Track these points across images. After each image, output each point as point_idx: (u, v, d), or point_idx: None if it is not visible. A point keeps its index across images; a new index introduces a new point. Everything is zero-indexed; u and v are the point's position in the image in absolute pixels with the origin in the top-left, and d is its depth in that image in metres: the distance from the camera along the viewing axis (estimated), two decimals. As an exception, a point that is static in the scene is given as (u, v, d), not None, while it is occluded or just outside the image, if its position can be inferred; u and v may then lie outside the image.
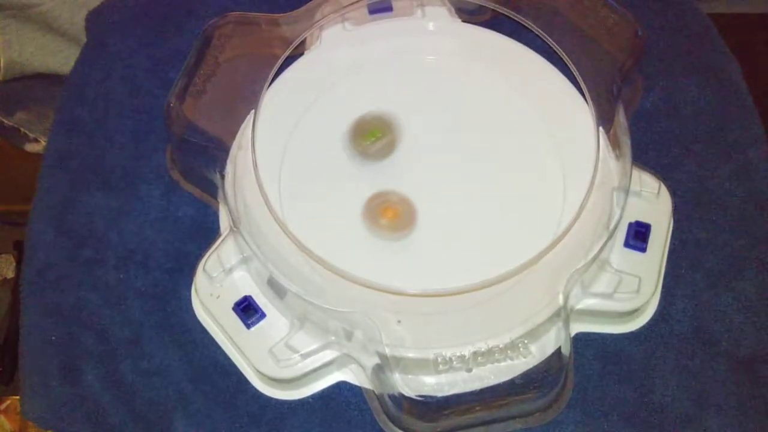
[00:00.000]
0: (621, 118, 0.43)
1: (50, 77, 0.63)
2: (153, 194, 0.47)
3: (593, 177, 0.41)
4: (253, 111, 0.44)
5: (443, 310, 0.39)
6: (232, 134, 0.45)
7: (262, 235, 0.41)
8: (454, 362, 0.38)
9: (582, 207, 0.40)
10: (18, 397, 0.43)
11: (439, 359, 0.38)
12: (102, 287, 0.45)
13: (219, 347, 0.43)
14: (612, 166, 0.43)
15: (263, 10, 0.48)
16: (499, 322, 0.39)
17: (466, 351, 0.38)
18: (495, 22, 0.49)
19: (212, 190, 0.45)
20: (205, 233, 0.46)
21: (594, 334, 0.43)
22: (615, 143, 0.43)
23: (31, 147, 0.67)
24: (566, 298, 0.39)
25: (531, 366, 0.38)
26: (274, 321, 0.41)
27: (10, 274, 0.85)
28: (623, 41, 0.45)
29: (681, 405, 0.41)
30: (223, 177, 0.43)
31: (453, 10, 0.50)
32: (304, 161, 0.45)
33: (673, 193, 0.44)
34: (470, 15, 0.50)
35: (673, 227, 0.44)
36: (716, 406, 0.41)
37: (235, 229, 0.41)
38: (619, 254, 0.42)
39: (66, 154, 0.49)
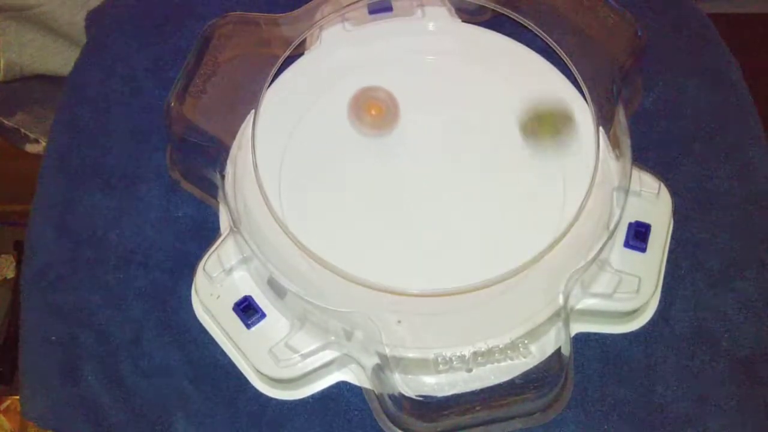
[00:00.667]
0: (621, 118, 0.43)
1: (50, 78, 0.63)
2: (153, 194, 0.47)
3: (593, 177, 0.41)
4: (253, 111, 0.44)
5: (443, 310, 0.39)
6: (232, 134, 0.45)
7: (262, 235, 0.41)
8: (454, 362, 0.38)
9: (582, 207, 0.40)
10: (18, 397, 0.43)
11: (439, 359, 0.38)
12: (102, 287, 0.45)
13: (219, 347, 0.43)
14: (612, 166, 0.43)
15: (263, 10, 0.48)
16: (499, 322, 0.39)
17: (466, 351, 0.38)
18: (495, 22, 0.49)
19: (212, 190, 0.45)
20: (205, 233, 0.46)
21: (594, 334, 0.43)
22: (615, 143, 0.43)
23: (31, 148, 0.67)
24: (566, 298, 0.39)
25: (531, 366, 0.38)
26: (274, 321, 0.41)
27: (10, 274, 0.85)
28: (623, 41, 0.45)
29: (681, 405, 0.41)
30: (223, 177, 0.43)
31: (453, 10, 0.50)
32: (304, 161, 0.45)
33: (673, 193, 0.44)
34: (470, 15, 0.50)
35: (674, 227, 0.44)
36: (716, 406, 0.41)
37: (235, 229, 0.41)
38: (619, 254, 0.42)
39: (66, 154, 0.49)
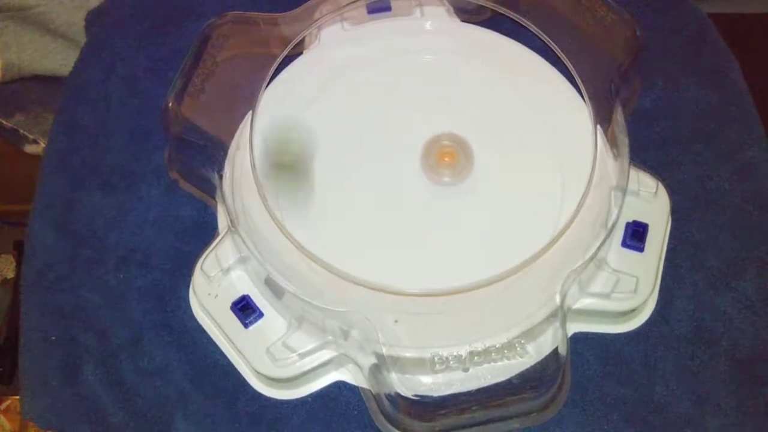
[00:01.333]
0: (619, 118, 0.43)
1: (49, 79, 0.63)
2: (153, 194, 0.47)
3: (591, 176, 0.41)
4: (251, 111, 0.44)
5: (440, 310, 0.39)
6: (231, 134, 0.45)
7: (260, 234, 0.41)
8: (451, 362, 0.38)
9: (580, 206, 0.40)
10: (18, 397, 0.43)
11: (436, 359, 0.38)
12: (102, 287, 0.45)
13: (219, 347, 0.43)
14: (610, 165, 0.43)
15: (263, 9, 0.48)
16: (496, 322, 0.38)
17: (463, 351, 0.38)
18: (493, 22, 0.49)
19: (211, 189, 0.45)
20: (206, 233, 0.46)
21: (594, 334, 0.43)
22: (613, 142, 0.43)
23: (30, 148, 0.67)
24: (563, 298, 0.39)
25: (528, 366, 0.38)
26: (272, 320, 0.41)
27: (10, 274, 0.85)
28: (621, 40, 0.45)
29: (681, 405, 0.41)
30: (221, 177, 0.43)
31: (451, 9, 0.50)
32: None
33: (673, 193, 0.44)
34: (469, 14, 0.50)
35: (673, 227, 0.44)
36: (716, 406, 0.41)
37: (233, 228, 0.41)
38: (617, 254, 0.42)
39: (66, 154, 0.49)
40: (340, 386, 0.42)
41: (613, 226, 0.40)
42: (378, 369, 0.38)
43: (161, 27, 0.54)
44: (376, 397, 0.40)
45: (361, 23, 0.49)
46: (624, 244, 0.42)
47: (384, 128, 0.46)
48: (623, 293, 0.41)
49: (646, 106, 0.49)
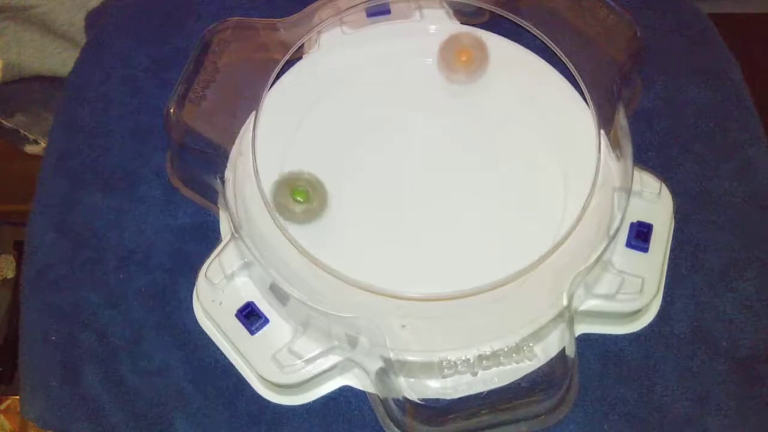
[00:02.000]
0: (621, 119, 0.43)
1: (49, 79, 0.63)
2: (153, 194, 0.47)
3: (595, 178, 0.41)
4: (252, 116, 0.44)
5: (447, 314, 0.39)
6: (232, 140, 0.45)
7: (264, 240, 0.41)
8: (459, 366, 0.38)
9: (584, 208, 0.40)
10: (18, 397, 0.43)
11: (444, 363, 0.37)
12: (102, 287, 0.45)
13: (219, 348, 0.43)
14: (613, 167, 0.43)
15: (263, 9, 0.48)
16: (504, 325, 0.38)
17: (471, 354, 0.38)
18: (493, 24, 0.49)
19: (212, 196, 0.45)
20: (205, 233, 0.46)
21: (594, 334, 0.43)
22: (616, 144, 0.43)
23: (30, 148, 0.67)
24: (570, 300, 0.39)
25: (536, 368, 0.38)
26: (277, 327, 0.41)
27: (10, 274, 0.85)
28: (623, 42, 0.45)
29: (681, 405, 0.41)
30: (223, 182, 0.43)
31: (451, 12, 0.50)
32: (305, 165, 0.44)
33: (673, 193, 0.44)
34: (469, 17, 0.50)
35: (674, 227, 0.44)
36: (716, 406, 0.41)
37: (236, 234, 0.41)
38: (622, 255, 0.42)
39: (66, 154, 0.49)
40: (341, 387, 0.42)
41: (618, 227, 0.40)
42: (385, 373, 0.38)
43: (161, 27, 0.54)
44: (384, 402, 0.40)
45: (360, 27, 0.49)
46: (629, 244, 0.42)
47: (386, 132, 0.46)
48: (629, 294, 0.41)
49: (646, 106, 0.49)
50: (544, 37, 0.45)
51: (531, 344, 0.38)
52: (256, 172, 0.41)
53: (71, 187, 0.48)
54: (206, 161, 0.44)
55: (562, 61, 0.44)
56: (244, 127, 0.45)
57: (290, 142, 0.45)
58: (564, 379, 0.39)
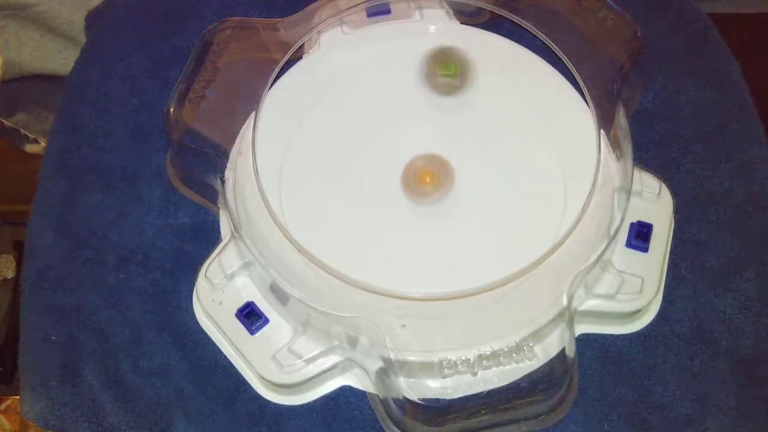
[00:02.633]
0: (621, 119, 0.43)
1: (49, 78, 0.63)
2: (153, 194, 0.47)
3: (595, 178, 0.41)
4: (252, 116, 0.44)
5: (447, 314, 0.39)
6: (232, 139, 0.45)
7: (264, 240, 0.41)
8: (459, 366, 0.38)
9: (584, 208, 0.40)
10: (18, 397, 0.43)
11: (444, 363, 0.37)
12: (102, 287, 0.45)
13: (220, 348, 0.43)
14: (613, 167, 0.43)
15: (263, 9, 0.48)
16: (504, 325, 0.38)
17: (471, 354, 0.38)
18: (493, 24, 0.49)
19: (212, 196, 0.45)
20: (205, 233, 0.46)
21: (594, 334, 0.43)
22: (615, 144, 0.43)
23: (30, 148, 0.67)
24: (570, 300, 0.39)
25: (536, 368, 0.38)
26: (277, 326, 0.41)
27: (10, 274, 0.85)
28: (622, 42, 0.45)
29: (681, 405, 0.41)
30: (223, 182, 0.43)
31: (451, 12, 0.50)
32: (305, 165, 0.44)
33: (673, 193, 0.44)
34: (468, 17, 0.50)
35: (674, 227, 0.44)
36: (716, 406, 0.41)
37: (236, 234, 0.41)
38: (621, 255, 0.42)
39: (66, 154, 0.49)
40: (341, 387, 0.42)
41: (618, 227, 0.40)
42: (385, 373, 0.38)
43: (161, 27, 0.54)
44: (384, 402, 0.40)
45: (360, 27, 0.49)
46: (628, 244, 0.42)
47: (386, 131, 0.46)
48: (629, 294, 0.41)
49: (646, 106, 0.49)
50: (544, 37, 0.45)
51: (531, 344, 0.38)
52: (256, 172, 0.41)
53: (71, 187, 0.48)
54: (206, 161, 0.44)
55: (562, 61, 0.44)
56: (244, 127, 0.45)
57: (290, 142, 0.45)
58: (564, 379, 0.39)
